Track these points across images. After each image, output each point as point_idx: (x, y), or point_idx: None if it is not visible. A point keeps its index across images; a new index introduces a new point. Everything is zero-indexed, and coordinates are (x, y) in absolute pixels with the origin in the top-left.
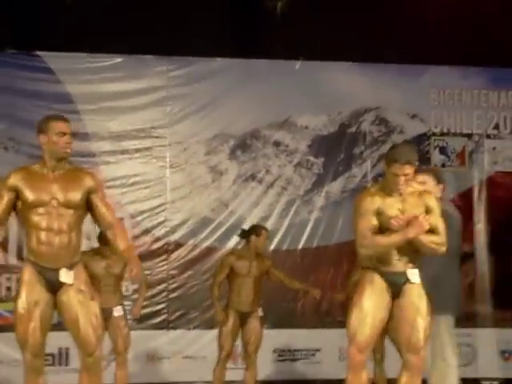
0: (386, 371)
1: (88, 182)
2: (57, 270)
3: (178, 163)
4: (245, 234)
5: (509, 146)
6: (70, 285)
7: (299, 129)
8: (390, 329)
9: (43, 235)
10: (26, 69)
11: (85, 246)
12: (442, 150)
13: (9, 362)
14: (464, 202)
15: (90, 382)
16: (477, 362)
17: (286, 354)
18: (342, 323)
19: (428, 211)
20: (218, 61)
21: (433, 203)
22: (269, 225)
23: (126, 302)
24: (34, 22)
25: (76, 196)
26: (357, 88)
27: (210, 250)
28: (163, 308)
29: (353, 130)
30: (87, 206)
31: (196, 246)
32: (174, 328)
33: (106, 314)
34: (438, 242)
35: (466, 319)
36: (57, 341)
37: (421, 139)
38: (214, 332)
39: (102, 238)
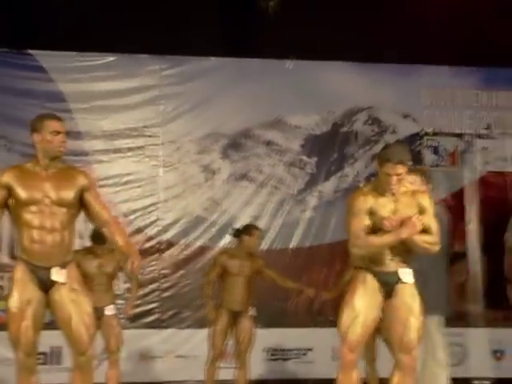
0: (377, 371)
1: (81, 181)
2: (49, 269)
3: (170, 162)
4: (237, 234)
5: (500, 146)
6: (63, 283)
7: (291, 128)
8: (382, 328)
9: (36, 233)
10: (18, 67)
11: (77, 244)
12: (434, 150)
13: (1, 361)
14: (456, 202)
15: (82, 380)
16: (468, 361)
17: (277, 354)
18: (334, 323)
19: (421, 211)
20: (210, 60)
21: (426, 203)
22: (261, 224)
23: (118, 301)
24: (26, 20)
25: (69, 194)
26: (349, 88)
27: (202, 249)
28: (155, 307)
29: (345, 129)
30: (81, 204)
31: (188, 245)
32: (167, 327)
33: (99, 313)
34: (430, 241)
35: (458, 319)
36: (49, 340)
37: (413, 139)
38: (206, 331)
39: (95, 237)
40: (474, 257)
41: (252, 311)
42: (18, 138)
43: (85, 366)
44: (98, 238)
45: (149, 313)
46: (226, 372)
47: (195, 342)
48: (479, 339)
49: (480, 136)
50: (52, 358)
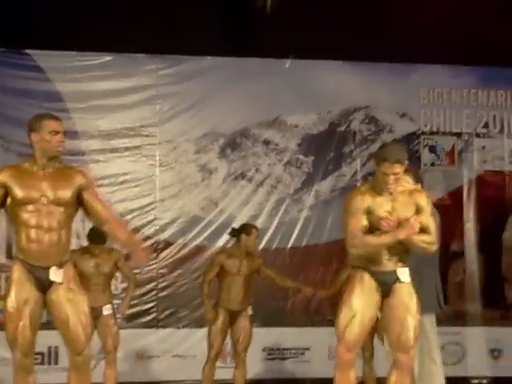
0: (375, 370)
1: (79, 180)
2: (46, 269)
3: (167, 162)
4: (235, 233)
5: (498, 145)
6: (60, 283)
7: (289, 127)
8: (379, 328)
9: (33, 233)
10: (16, 67)
11: (74, 244)
12: (432, 149)
13: None
14: (453, 201)
15: (78, 380)
16: (466, 360)
17: (275, 353)
18: (331, 322)
19: (419, 210)
20: (207, 59)
21: (424, 202)
22: (258, 223)
23: (115, 301)
24: (24, 20)
25: (66, 194)
26: (347, 87)
27: (199, 249)
28: (152, 307)
29: (342, 128)
30: (80, 203)
31: (185, 244)
32: (164, 327)
33: (96, 313)
34: (428, 241)
35: (456, 318)
36: (46, 340)
37: (410, 138)
38: (204, 331)
39: (92, 237)
40: (471, 256)
41: (249, 310)
42: (15, 137)
43: (82, 366)
44: (95, 237)
45: (146, 312)
46: (223, 371)
47: (192, 341)
48: (477, 338)
49: (478, 135)
50: (49, 357)
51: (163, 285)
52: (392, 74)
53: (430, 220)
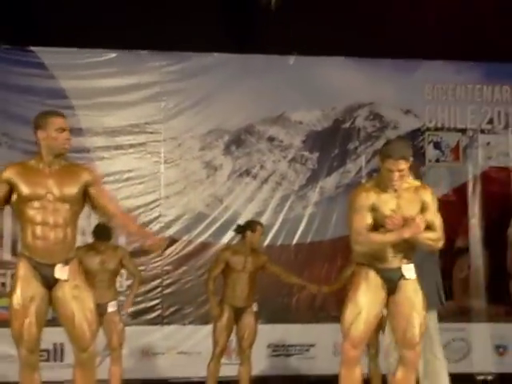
0: (380, 366)
1: (85, 177)
2: (52, 266)
3: (172, 159)
4: (240, 230)
5: (503, 141)
6: (66, 280)
7: (293, 124)
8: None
9: (38, 230)
10: (20, 64)
11: (79, 241)
12: (436, 145)
13: (4, 358)
14: (458, 197)
15: (84, 377)
16: (471, 356)
17: (280, 350)
18: (336, 318)
19: (424, 207)
20: (212, 56)
21: (429, 198)
22: (263, 220)
23: (120, 298)
24: (28, 17)
25: (72, 190)
26: (351, 83)
27: (204, 246)
28: (158, 303)
29: (347, 125)
30: (87, 200)
31: (190, 241)
32: (169, 323)
33: (101, 310)
34: (434, 238)
35: (461, 314)
36: (51, 336)
37: (415, 134)
38: (209, 327)
39: (97, 234)
40: (476, 252)
41: (253, 307)
42: (19, 135)
43: (87, 363)
44: (100, 234)
45: (151, 309)
46: (228, 368)
47: (198, 338)
48: (482, 334)
49: (483, 131)
50: (54, 354)
51: (168, 282)
52: (396, 71)
53: (435, 217)
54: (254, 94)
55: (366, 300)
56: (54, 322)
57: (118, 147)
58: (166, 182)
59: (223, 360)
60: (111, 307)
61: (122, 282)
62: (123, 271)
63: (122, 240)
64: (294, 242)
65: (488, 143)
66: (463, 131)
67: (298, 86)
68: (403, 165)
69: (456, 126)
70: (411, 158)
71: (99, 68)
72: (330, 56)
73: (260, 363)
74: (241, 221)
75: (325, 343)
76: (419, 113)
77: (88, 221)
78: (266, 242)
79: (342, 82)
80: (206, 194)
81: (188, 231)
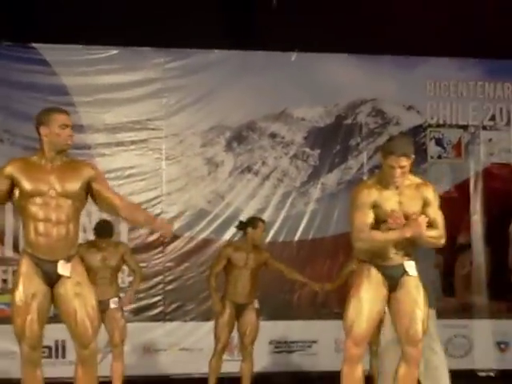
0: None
1: (87, 172)
2: (54, 262)
3: (173, 155)
4: (242, 226)
5: (505, 138)
6: (68, 277)
7: (295, 120)
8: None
9: (41, 226)
10: (22, 61)
11: (81, 238)
12: (438, 142)
13: (6, 355)
14: (460, 194)
15: (85, 374)
16: (473, 353)
17: (282, 346)
18: (338, 315)
19: (426, 204)
20: (214, 53)
21: (431, 195)
22: (265, 217)
23: (122, 294)
24: (30, 13)
25: (74, 186)
26: (353, 79)
27: (206, 242)
28: (159, 300)
29: (349, 121)
30: (91, 195)
31: (192, 238)
32: (171, 320)
33: (103, 307)
34: (436, 235)
35: (462, 310)
36: (53, 333)
37: (417, 131)
38: (211, 324)
39: (98, 231)
40: (478, 248)
41: (255, 303)
42: (21, 131)
43: (88, 360)
44: (101, 231)
45: (153, 306)
46: (230, 364)
47: (199, 334)
48: (483, 331)
49: (484, 127)
50: (56, 351)
51: (170, 278)
52: (399, 67)
53: (437, 214)
54: (255, 91)
55: (368, 297)
56: (55, 319)
57: (119, 144)
58: (167, 179)
59: (225, 356)
60: (113, 304)
61: (124, 278)
62: (125, 268)
63: (123, 236)
64: (296, 238)
65: (490, 140)
66: (465, 128)
67: (300, 82)
68: (405, 161)
69: (458, 123)
70: (413, 155)
71: (101, 65)
72: (331, 53)
73: (262, 360)
74: (242, 217)
75: (327, 340)
76: (421, 109)
77: (89, 218)
78: (268, 239)
79: (344, 78)
80: (207, 191)
81: (190, 228)
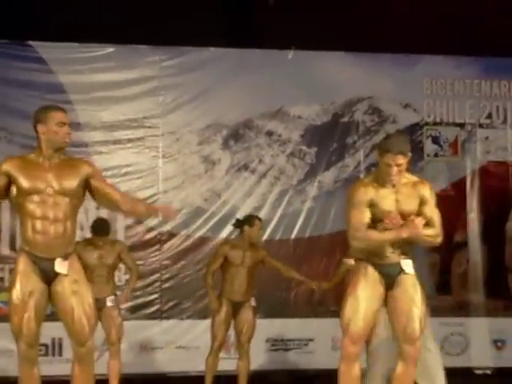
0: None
1: (85, 170)
2: (52, 260)
3: (170, 153)
4: (238, 224)
5: (501, 136)
6: (65, 275)
7: (292, 118)
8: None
9: (38, 224)
10: (19, 59)
11: (77, 236)
12: (435, 140)
13: (3, 353)
14: (457, 192)
15: (82, 372)
16: (469, 351)
17: (278, 344)
18: (334, 313)
19: (423, 202)
20: (210, 51)
21: (427, 194)
22: (262, 215)
23: (118, 292)
24: (27, 11)
25: (72, 184)
26: (350, 78)
27: (202, 240)
28: (156, 298)
29: (346, 119)
30: (90, 192)
31: (189, 236)
32: (167, 318)
33: (99, 305)
34: (433, 234)
35: (459, 308)
36: (50, 331)
37: (413, 129)
38: (207, 322)
39: (95, 229)
40: (474, 246)
41: (252, 301)
42: (18, 129)
43: (85, 358)
44: (98, 229)
45: (150, 304)
46: (227, 362)
47: (196, 332)
48: (480, 329)
49: (481, 126)
50: (53, 349)
51: (167, 276)
52: (395, 65)
53: (434, 212)
54: (252, 89)
55: (364, 296)
56: (52, 317)
57: (116, 142)
58: (164, 177)
59: (222, 354)
60: (110, 302)
61: (121, 276)
62: (121, 266)
63: (120, 235)
64: (293, 236)
65: (486, 138)
66: (462, 126)
67: (297, 80)
68: (402, 159)
69: (455, 121)
70: (410, 153)
71: (97, 62)
72: (328, 51)
73: (258, 358)
74: (239, 215)
75: (323, 338)
76: (418, 107)
77: (86, 216)
78: (265, 237)
79: (341, 76)
80: (204, 189)
81: (186, 226)
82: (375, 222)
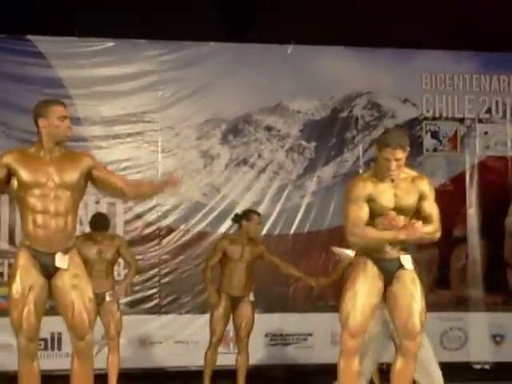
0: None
1: (86, 162)
2: (52, 255)
3: (169, 148)
4: (237, 219)
5: (500, 131)
6: (65, 269)
7: (291, 113)
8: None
9: (39, 218)
10: (17, 53)
11: (77, 230)
12: (434, 135)
13: (3, 347)
14: (456, 187)
15: (81, 366)
16: (468, 345)
17: (277, 339)
18: (333, 307)
19: (422, 197)
20: (209, 45)
21: (426, 188)
22: (261, 210)
23: (118, 287)
24: (25, 5)
25: (73, 176)
26: (349, 72)
27: (201, 235)
28: (155, 293)
29: (345, 114)
30: (93, 183)
31: (188, 230)
32: (166, 313)
33: (99, 299)
34: (431, 231)
35: (458, 303)
36: (49, 326)
37: (412, 124)
38: (206, 317)
39: (94, 224)
40: (473, 241)
41: (251, 296)
42: (16, 124)
43: (84, 352)
44: (97, 224)
45: (148, 298)
46: (226, 357)
47: (195, 327)
48: (479, 323)
49: (480, 120)
50: (52, 343)
51: (166, 271)
52: (394, 60)
53: (433, 207)
54: (251, 83)
55: (363, 290)
56: (51, 311)
57: (115, 136)
58: (163, 172)
59: (221, 349)
60: (109, 296)
61: (120, 271)
62: (120, 260)
63: (119, 229)
64: (292, 231)
65: (486, 132)
66: (461, 120)
67: (296, 75)
68: (400, 154)
69: (454, 116)
70: (408, 148)
71: (96, 57)
72: (327, 45)
73: (257, 352)
74: (238, 210)
75: (322, 332)
76: (417, 102)
77: (85, 210)
78: (264, 232)
79: (340, 71)
80: (203, 184)
81: (185, 220)
82: (374, 218)
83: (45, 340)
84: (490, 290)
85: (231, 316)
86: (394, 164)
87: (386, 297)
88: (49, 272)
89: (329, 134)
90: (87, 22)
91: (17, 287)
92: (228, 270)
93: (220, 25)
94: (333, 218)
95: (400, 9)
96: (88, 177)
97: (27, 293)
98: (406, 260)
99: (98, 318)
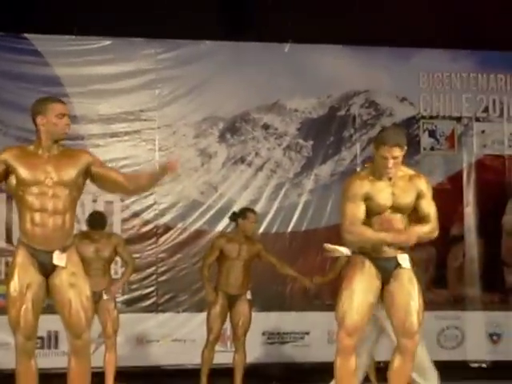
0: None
1: (84, 159)
2: (50, 253)
3: (167, 146)
4: (233, 217)
5: (498, 129)
6: (63, 268)
7: (289, 112)
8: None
9: (37, 216)
10: (14, 51)
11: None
12: (431, 133)
13: (0, 345)
14: (453, 185)
15: (78, 364)
16: (465, 344)
17: (274, 337)
18: (330, 306)
19: (419, 196)
20: (207, 43)
21: (424, 187)
22: (258, 208)
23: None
24: (23, 4)
25: (71, 174)
26: (346, 71)
27: (199, 233)
28: (152, 291)
29: (342, 113)
30: (93, 180)
31: (185, 229)
32: (163, 311)
33: (96, 298)
34: (429, 230)
35: (455, 302)
36: (46, 324)
37: (410, 122)
38: (203, 315)
39: (92, 222)
40: (471, 240)
41: (248, 294)
42: (13, 122)
43: (81, 350)
44: (94, 223)
45: (146, 297)
46: (223, 356)
47: (192, 325)
48: (476, 322)
49: (478, 119)
50: (49, 342)
51: (163, 269)
52: (392, 59)
53: (430, 206)
54: (248, 82)
55: (360, 289)
56: (48, 310)
57: (112, 135)
58: None
59: (218, 347)
60: (106, 295)
61: (117, 269)
62: (118, 259)
63: (116, 228)
64: (289, 229)
65: (483, 131)
66: (458, 119)
67: (294, 73)
68: (398, 152)
69: (451, 115)
70: (406, 146)
71: (94, 55)
72: (325, 44)
73: (254, 351)
74: (235, 208)
75: (319, 331)
76: (414, 101)
77: (82, 209)
78: (261, 230)
79: (338, 69)
80: (200, 182)
81: (183, 219)
82: (371, 216)
83: (41, 338)
84: (487, 289)
85: (228, 314)
86: (391, 162)
87: (384, 296)
88: (47, 270)
89: (326, 132)
90: (85, 20)
91: (15, 285)
92: (225, 269)
93: (217, 23)
94: (330, 217)
95: (398, 8)
96: (87, 174)
97: (25, 291)
98: (404, 259)
99: (96, 316)
